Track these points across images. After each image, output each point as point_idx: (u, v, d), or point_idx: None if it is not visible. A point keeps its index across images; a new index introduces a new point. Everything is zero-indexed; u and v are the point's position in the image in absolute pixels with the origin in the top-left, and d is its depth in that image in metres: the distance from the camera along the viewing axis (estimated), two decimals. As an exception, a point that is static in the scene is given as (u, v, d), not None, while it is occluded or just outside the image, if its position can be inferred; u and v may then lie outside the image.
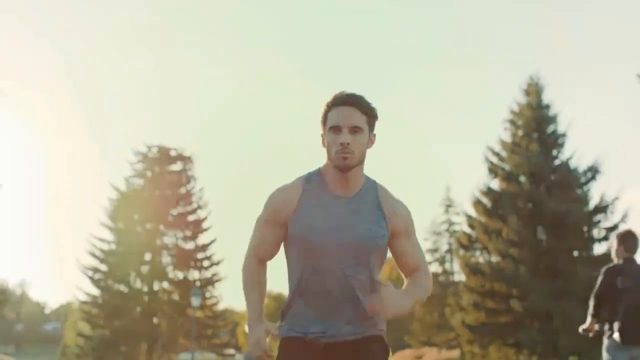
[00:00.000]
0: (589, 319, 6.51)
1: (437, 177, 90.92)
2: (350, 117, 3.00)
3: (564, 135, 29.13)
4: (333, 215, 3.03)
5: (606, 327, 6.43)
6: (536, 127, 28.96)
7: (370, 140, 3.09)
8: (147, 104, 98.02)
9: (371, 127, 3.07)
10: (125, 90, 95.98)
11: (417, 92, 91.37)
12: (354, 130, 3.00)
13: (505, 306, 27.83)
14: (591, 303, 6.43)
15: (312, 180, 3.12)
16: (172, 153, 37.19)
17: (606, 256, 27.71)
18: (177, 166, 37.29)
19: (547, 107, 29.43)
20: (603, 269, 6.48)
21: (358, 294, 3.02)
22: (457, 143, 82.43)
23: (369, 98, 3.09)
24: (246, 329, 3.07)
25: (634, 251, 6.24)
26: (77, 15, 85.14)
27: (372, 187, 3.11)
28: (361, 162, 3.05)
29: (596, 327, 6.49)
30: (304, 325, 3.06)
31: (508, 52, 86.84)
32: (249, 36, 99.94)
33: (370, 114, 3.05)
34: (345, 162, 2.98)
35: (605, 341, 6.41)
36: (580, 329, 6.69)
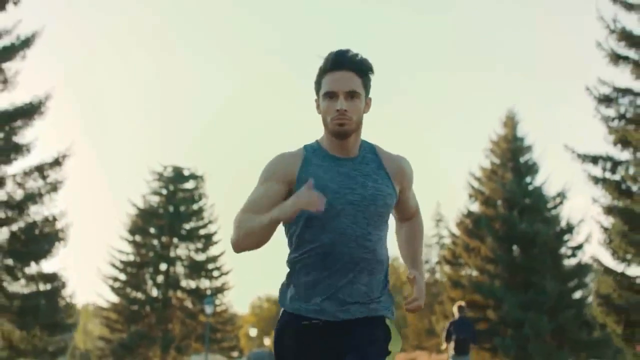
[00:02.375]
0: (444, 344, 12.42)
1: (438, 181, 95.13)
2: (346, 82, 2.95)
3: (535, 164, 34.28)
4: (341, 174, 3.01)
5: (451, 347, 12.32)
6: (511, 157, 34.13)
7: (367, 105, 3.06)
8: (147, 108, 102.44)
9: (367, 90, 3.04)
10: (124, 93, 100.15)
11: (419, 97, 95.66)
12: (351, 95, 2.96)
13: (482, 315, 33.02)
14: (443, 335, 12.57)
15: (313, 147, 3.11)
16: (185, 172, 42.27)
17: (572, 272, 32.93)
18: (189, 184, 42.33)
19: (521, 139, 34.59)
20: (448, 322, 12.82)
21: (367, 256, 2.99)
22: (459, 147, 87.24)
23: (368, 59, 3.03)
24: (274, 214, 2.79)
25: (462, 313, 12.41)
26: (76, 19, 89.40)
27: (371, 149, 3.12)
28: (358, 127, 3.03)
29: (449, 347, 12.35)
30: (305, 300, 3.02)
31: (510, 56, 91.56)
32: (251, 40, 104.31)
33: (366, 76, 3.02)
34: (342, 129, 2.96)
35: (450, 353, 12.21)
36: (442, 348, 13.26)
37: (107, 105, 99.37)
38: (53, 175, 20.83)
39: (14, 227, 20.70)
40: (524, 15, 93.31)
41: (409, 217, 3.32)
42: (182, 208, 41.60)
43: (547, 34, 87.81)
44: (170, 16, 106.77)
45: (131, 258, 40.75)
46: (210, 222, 42.01)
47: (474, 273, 34.00)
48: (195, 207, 41.98)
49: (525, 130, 35.28)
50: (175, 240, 41.29)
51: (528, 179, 34.42)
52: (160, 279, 40.73)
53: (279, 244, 3.18)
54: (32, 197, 20.70)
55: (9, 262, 20.48)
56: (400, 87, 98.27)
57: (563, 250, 33.61)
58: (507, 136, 34.64)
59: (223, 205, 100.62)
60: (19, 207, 20.51)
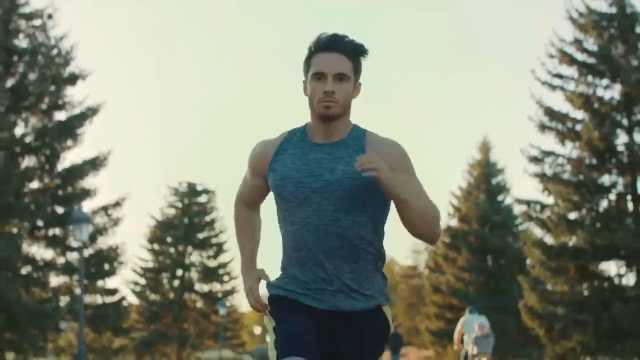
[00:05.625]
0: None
1: (438, 180, 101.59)
2: (335, 64, 3.05)
3: (505, 185, 42.26)
4: (309, 162, 3.11)
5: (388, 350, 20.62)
6: (484, 180, 42.08)
7: (356, 89, 3.15)
8: (148, 106, 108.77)
9: (357, 73, 3.14)
10: (125, 92, 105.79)
11: (419, 95, 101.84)
12: (339, 77, 3.05)
13: (458, 317, 40.94)
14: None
15: (296, 132, 3.23)
16: (199, 187, 50.00)
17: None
18: (202, 198, 50.04)
19: (494, 164, 42.54)
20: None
21: (342, 244, 3.06)
22: (457, 145, 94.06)
23: (359, 39, 3.12)
24: (241, 274, 3.28)
25: (396, 330, 20.75)
26: (77, 18, 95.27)
27: (360, 134, 3.16)
28: (346, 112, 3.11)
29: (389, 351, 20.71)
30: (294, 286, 3.13)
31: (509, 54, 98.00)
32: (250, 39, 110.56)
33: (357, 59, 3.12)
34: (328, 111, 3.05)
35: (389, 353, 20.50)
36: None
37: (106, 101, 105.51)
38: (115, 213, 28.98)
39: (86, 254, 28.71)
40: (524, 14, 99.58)
41: None
42: (196, 220, 49.06)
43: (547, 32, 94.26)
44: (170, 18, 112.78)
45: (150, 264, 47.94)
46: (221, 232, 49.47)
47: (452, 280, 41.97)
48: (207, 218, 49.54)
49: (498, 155, 43.06)
50: (189, 248, 48.61)
51: (499, 198, 42.36)
52: (176, 283, 47.98)
53: (277, 242, 3.30)
54: (100, 231, 28.71)
55: (84, 280, 28.57)
56: (402, 84, 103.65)
57: (529, 261, 41.53)
58: (482, 161, 42.57)
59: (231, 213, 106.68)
60: (90, 238, 28.48)
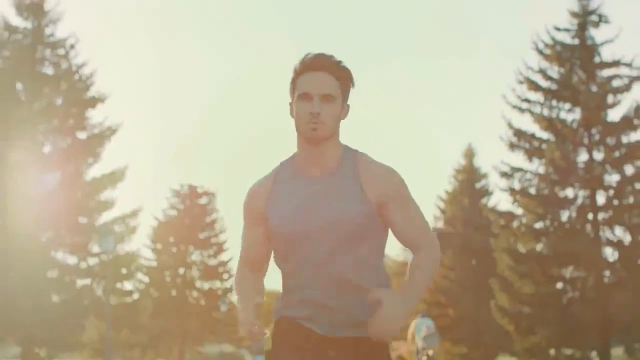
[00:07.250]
0: None
1: (432, 168, 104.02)
2: (322, 84, 3.06)
3: (488, 189, 46.64)
4: (305, 199, 3.13)
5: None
6: (468, 184, 46.44)
7: (344, 110, 3.14)
8: (148, 92, 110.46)
9: (345, 94, 3.14)
10: (125, 77, 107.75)
11: (416, 80, 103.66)
12: (326, 98, 3.06)
13: (444, 312, 45.45)
14: None
15: (285, 165, 3.24)
16: (199, 190, 54.12)
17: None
18: (203, 200, 54.17)
19: (478, 169, 46.90)
20: None
21: (342, 282, 3.10)
22: (452, 131, 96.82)
23: (347, 63, 3.12)
24: (239, 319, 3.19)
25: None
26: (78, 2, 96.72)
27: (351, 159, 3.16)
28: (333, 134, 3.11)
29: None
30: (297, 316, 3.18)
31: (503, 38, 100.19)
32: (249, 23, 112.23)
33: (344, 79, 3.11)
34: (315, 134, 3.06)
35: None
36: None
37: (106, 87, 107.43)
38: (131, 222, 33.33)
39: (105, 259, 33.04)
40: (520, 11, 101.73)
41: (408, 246, 3.21)
42: (197, 220, 53.23)
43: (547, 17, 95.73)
44: (173, 2, 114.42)
45: (153, 263, 51.95)
46: (220, 232, 53.43)
47: (439, 278, 46.36)
48: (207, 219, 53.67)
49: (483, 161, 47.37)
50: (190, 248, 52.75)
51: (483, 201, 46.74)
52: (178, 281, 51.88)
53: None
54: (117, 239, 33.01)
55: (103, 283, 32.94)
56: (403, 69, 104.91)
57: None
58: (466, 166, 46.94)
59: (231, 216, 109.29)
60: (109, 245, 32.97)
